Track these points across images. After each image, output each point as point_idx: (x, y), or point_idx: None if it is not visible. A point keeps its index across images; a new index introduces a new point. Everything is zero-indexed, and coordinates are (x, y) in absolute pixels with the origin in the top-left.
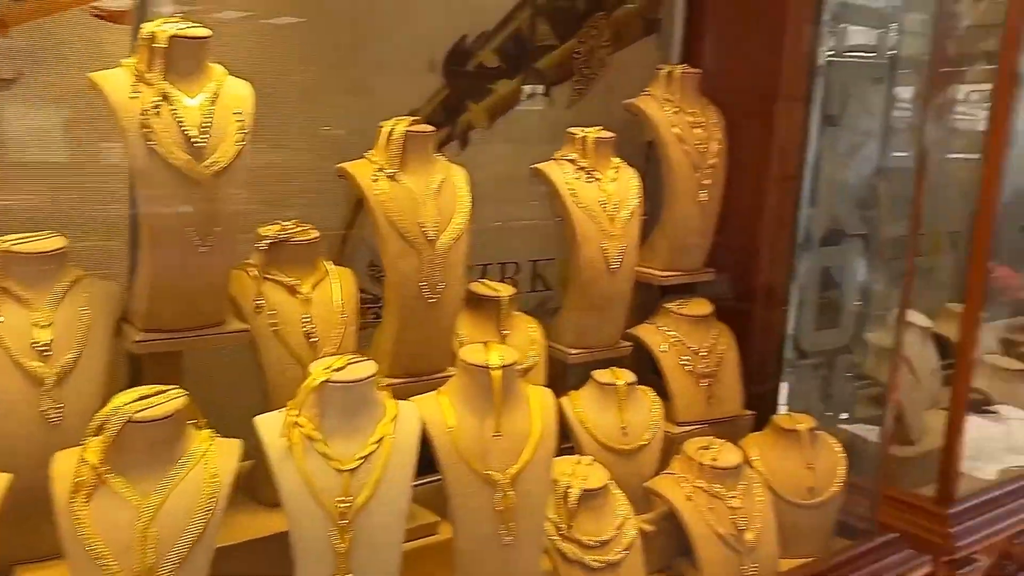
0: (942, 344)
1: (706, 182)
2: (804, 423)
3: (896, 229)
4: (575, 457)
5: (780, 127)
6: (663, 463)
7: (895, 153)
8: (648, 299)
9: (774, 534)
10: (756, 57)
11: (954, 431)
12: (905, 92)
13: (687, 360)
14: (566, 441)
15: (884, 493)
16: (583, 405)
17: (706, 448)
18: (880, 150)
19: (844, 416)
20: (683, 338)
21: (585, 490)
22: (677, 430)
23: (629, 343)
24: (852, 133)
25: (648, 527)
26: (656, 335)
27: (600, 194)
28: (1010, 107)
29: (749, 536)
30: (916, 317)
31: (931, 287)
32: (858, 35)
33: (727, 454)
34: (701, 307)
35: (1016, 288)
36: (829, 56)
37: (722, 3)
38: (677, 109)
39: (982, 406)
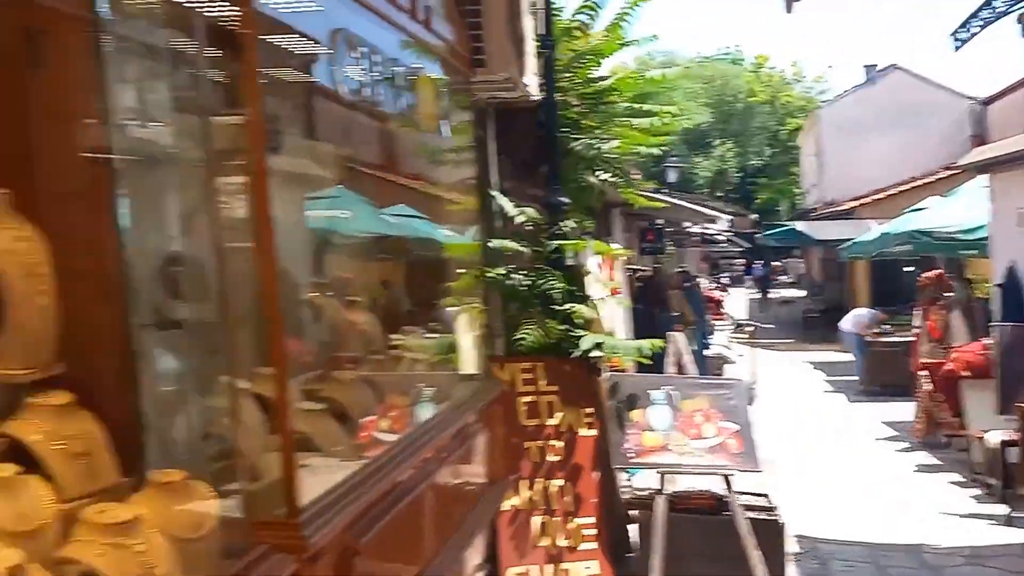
0: (261, 399)
1: (42, 287)
2: (176, 476)
3: (197, 311)
4: None
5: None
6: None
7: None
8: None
9: (177, 566)
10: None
11: (288, 465)
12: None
13: (61, 444)
14: None
15: (256, 520)
16: None
17: (103, 511)
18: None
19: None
20: (53, 426)
21: None
22: (67, 505)
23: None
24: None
25: None
26: (27, 426)
27: None
28: (265, 198)
29: (160, 572)
30: (240, 383)
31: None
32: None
33: (121, 512)
34: (62, 397)
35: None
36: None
37: None
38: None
39: None
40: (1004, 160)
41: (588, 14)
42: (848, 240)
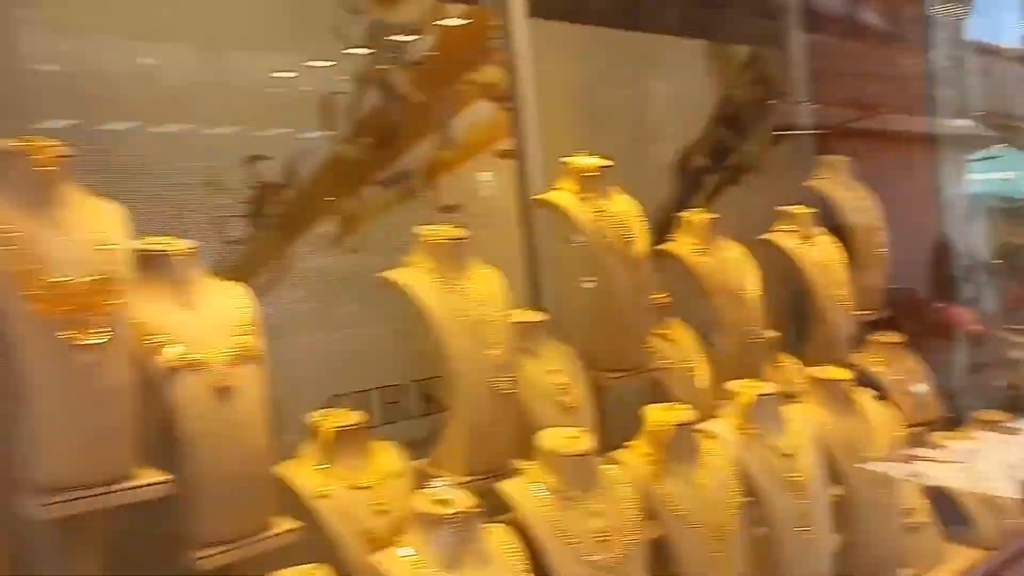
0: None
1: (878, 241)
2: (1001, 418)
3: None
4: None
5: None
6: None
7: None
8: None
9: None
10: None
11: None
12: None
13: (898, 376)
14: None
15: None
16: None
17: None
18: None
19: None
20: (888, 361)
21: None
22: (908, 430)
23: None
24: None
25: None
26: (869, 359)
27: (819, 255)
28: None
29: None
30: None
31: None
32: None
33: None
34: (894, 337)
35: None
36: None
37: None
38: (846, 188)
39: None
40: None
41: None
42: None
